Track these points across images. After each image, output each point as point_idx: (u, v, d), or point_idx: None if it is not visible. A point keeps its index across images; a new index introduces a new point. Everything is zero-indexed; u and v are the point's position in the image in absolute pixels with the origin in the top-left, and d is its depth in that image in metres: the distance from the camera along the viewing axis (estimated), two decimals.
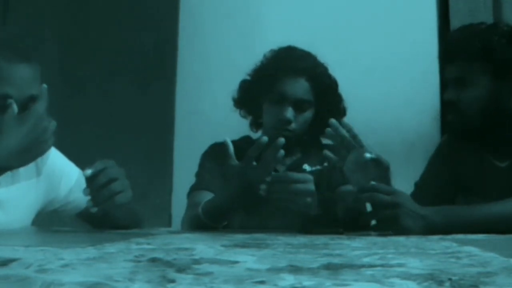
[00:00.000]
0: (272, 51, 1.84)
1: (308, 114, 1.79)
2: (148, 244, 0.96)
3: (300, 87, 1.77)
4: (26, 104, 1.31)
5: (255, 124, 1.93)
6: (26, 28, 2.15)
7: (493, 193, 1.45)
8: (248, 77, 1.87)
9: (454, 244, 1.00)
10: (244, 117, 1.92)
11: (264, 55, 1.85)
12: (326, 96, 1.80)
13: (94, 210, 1.29)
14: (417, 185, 1.78)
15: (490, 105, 1.55)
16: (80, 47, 2.74)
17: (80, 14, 2.79)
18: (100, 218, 1.43)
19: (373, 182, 1.42)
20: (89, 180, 1.28)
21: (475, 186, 1.66)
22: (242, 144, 1.83)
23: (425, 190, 1.72)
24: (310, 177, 1.46)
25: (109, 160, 1.31)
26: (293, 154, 1.85)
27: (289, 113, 1.75)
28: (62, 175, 1.52)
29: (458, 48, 1.58)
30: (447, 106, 1.63)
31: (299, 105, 1.76)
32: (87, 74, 2.71)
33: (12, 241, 1.09)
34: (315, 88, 1.78)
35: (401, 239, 1.17)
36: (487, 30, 1.57)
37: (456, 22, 2.72)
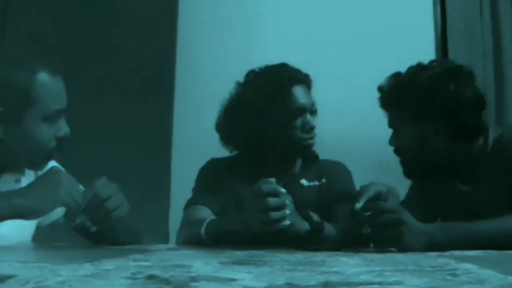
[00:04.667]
0: (266, 68, 1.84)
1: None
2: (146, 260, 0.96)
3: (308, 94, 1.81)
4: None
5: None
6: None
7: (463, 216, 1.47)
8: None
9: (452, 261, 1.00)
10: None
11: (258, 76, 1.84)
12: None
13: (93, 229, 1.32)
14: (403, 204, 1.78)
15: (420, 149, 1.63)
16: (76, 59, 2.74)
17: (79, 25, 2.79)
18: (98, 234, 1.43)
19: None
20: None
21: (447, 209, 1.72)
22: (239, 160, 1.84)
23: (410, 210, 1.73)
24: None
25: (101, 178, 1.34)
26: (293, 168, 1.85)
27: (311, 120, 1.79)
28: None
29: (384, 99, 1.69)
30: (394, 151, 1.72)
31: (313, 111, 1.81)
32: (81, 90, 2.70)
33: (9, 256, 1.09)
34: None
35: (399, 256, 1.17)
36: (411, 75, 1.65)
37: (453, 39, 2.74)
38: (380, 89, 1.71)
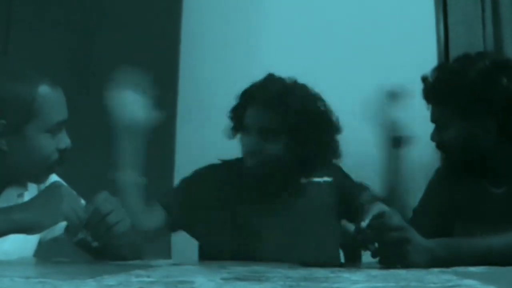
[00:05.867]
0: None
1: (277, 144, 1.75)
2: (148, 276, 0.96)
3: (263, 116, 1.75)
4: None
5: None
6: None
7: (490, 220, 1.45)
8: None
9: (455, 277, 0.99)
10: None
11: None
12: (301, 125, 1.77)
13: (95, 244, 1.33)
14: (415, 211, 1.77)
15: (466, 146, 1.57)
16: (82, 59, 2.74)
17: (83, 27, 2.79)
18: (100, 249, 1.43)
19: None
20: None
21: (472, 213, 1.65)
22: (236, 164, 1.85)
23: (423, 216, 1.71)
24: None
25: (102, 193, 1.34)
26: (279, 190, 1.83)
27: (253, 142, 1.74)
28: None
29: (428, 91, 1.62)
30: (436, 147, 1.66)
31: (264, 134, 1.74)
32: (82, 96, 2.68)
33: (11, 272, 1.09)
34: (284, 118, 1.74)
35: (402, 272, 1.16)
36: (460, 68, 1.58)
37: (455, 54, 2.75)
38: (425, 80, 1.63)
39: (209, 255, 1.81)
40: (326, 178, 1.85)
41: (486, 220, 1.47)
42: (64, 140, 1.42)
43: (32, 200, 1.33)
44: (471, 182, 1.65)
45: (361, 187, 1.87)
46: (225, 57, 2.82)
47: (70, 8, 2.78)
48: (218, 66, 2.80)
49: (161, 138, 2.69)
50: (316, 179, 1.84)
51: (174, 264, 1.36)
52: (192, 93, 2.76)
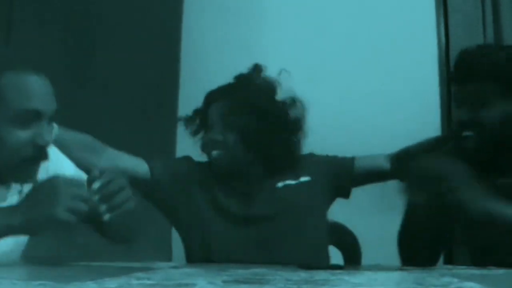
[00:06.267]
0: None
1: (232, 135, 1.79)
2: (149, 279, 0.96)
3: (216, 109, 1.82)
4: (50, 122, 1.31)
5: None
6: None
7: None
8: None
9: (455, 280, 0.99)
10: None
11: None
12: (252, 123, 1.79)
13: (107, 217, 1.27)
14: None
15: (506, 124, 1.53)
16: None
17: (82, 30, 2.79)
18: (106, 225, 1.41)
19: None
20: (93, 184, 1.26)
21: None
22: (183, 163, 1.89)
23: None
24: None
25: (113, 169, 1.33)
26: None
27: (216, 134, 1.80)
28: (56, 169, 1.41)
29: (472, 69, 1.56)
30: (463, 126, 1.58)
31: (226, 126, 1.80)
32: (83, 93, 2.67)
33: (11, 274, 1.09)
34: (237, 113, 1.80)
35: (402, 274, 1.16)
36: (496, 51, 1.58)
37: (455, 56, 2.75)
38: (465, 53, 1.60)
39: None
40: (303, 179, 1.84)
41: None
42: (42, 136, 1.29)
43: (26, 200, 1.22)
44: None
45: (345, 160, 1.88)
46: (226, 57, 2.82)
47: (70, 7, 2.78)
48: (219, 66, 2.80)
49: (161, 138, 2.70)
50: (291, 182, 1.83)
51: (174, 267, 1.36)
52: (193, 93, 2.76)
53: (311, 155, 1.90)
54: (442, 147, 1.67)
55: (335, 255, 1.99)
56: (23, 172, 1.32)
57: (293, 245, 1.76)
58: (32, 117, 1.28)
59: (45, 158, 1.33)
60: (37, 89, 1.29)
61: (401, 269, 1.30)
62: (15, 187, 1.36)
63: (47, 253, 1.56)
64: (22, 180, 1.34)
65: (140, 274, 1.04)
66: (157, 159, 1.89)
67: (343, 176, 1.86)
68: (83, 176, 1.39)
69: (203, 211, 1.82)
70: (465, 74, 1.59)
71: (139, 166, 1.83)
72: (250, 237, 1.77)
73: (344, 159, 1.89)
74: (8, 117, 1.25)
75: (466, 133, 1.57)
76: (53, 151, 1.44)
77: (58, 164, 1.47)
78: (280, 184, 1.82)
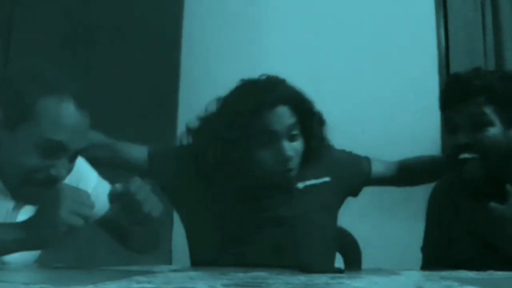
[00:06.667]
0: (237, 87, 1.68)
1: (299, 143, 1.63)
2: (149, 282, 0.95)
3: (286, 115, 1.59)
4: (72, 157, 1.31)
5: None
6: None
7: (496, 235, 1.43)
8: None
9: (455, 284, 0.99)
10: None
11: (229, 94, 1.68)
12: (311, 122, 1.66)
13: (133, 227, 1.30)
14: (424, 249, 1.75)
15: (505, 144, 1.56)
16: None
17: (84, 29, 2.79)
18: (123, 230, 1.40)
19: None
20: (118, 196, 1.27)
21: (479, 229, 1.60)
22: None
23: (434, 249, 1.71)
24: None
25: (135, 179, 1.30)
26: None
27: (287, 148, 1.57)
28: (80, 179, 1.44)
29: (467, 91, 1.57)
30: (462, 149, 1.58)
31: (291, 136, 1.60)
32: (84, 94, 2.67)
33: (12, 277, 1.09)
34: (298, 114, 1.61)
35: (403, 278, 1.16)
36: (489, 73, 1.61)
37: (455, 63, 2.75)
38: (456, 82, 1.62)
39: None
40: (323, 179, 1.76)
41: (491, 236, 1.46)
42: (59, 169, 1.29)
43: (33, 215, 1.22)
44: (470, 199, 1.61)
45: (363, 160, 1.83)
46: (226, 59, 2.83)
47: (70, 9, 2.78)
48: (219, 67, 2.81)
49: (162, 139, 2.70)
50: (312, 182, 1.75)
51: (175, 270, 1.36)
52: (193, 94, 2.76)
53: (330, 151, 1.76)
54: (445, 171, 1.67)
55: (336, 259, 1.99)
56: (32, 193, 1.31)
57: (308, 249, 1.70)
58: (55, 148, 1.28)
59: (51, 186, 1.28)
60: (69, 123, 1.28)
61: (400, 273, 1.30)
62: (27, 207, 1.36)
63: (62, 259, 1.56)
64: (31, 202, 1.34)
65: (140, 278, 1.04)
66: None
67: (360, 177, 1.81)
68: (107, 186, 1.39)
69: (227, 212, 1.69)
70: (460, 97, 1.59)
71: (139, 152, 1.76)
72: (265, 240, 1.68)
73: (361, 159, 1.83)
74: (33, 141, 1.26)
75: (467, 156, 1.57)
76: (79, 162, 1.43)
77: (81, 174, 1.47)
78: (300, 185, 1.71)
